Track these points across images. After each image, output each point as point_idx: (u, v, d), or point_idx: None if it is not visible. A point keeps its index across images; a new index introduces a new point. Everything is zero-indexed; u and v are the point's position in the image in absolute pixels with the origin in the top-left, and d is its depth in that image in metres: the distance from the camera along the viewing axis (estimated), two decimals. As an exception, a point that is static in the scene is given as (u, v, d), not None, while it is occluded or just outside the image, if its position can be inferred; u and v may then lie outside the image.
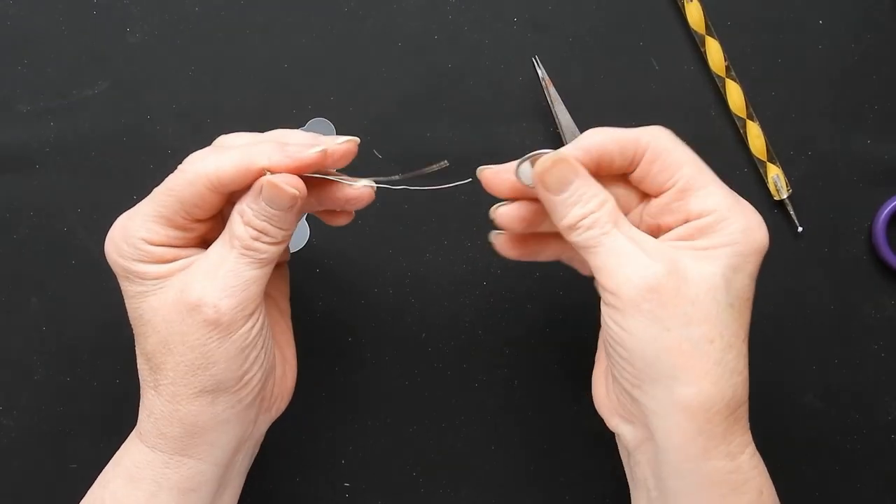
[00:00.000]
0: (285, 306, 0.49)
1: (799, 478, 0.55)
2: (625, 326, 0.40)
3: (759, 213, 0.55)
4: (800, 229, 0.55)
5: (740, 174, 0.55)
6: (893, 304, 0.55)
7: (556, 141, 0.55)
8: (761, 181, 0.55)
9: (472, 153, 0.55)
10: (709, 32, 0.55)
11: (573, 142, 0.43)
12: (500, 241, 0.46)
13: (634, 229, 0.41)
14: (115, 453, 0.45)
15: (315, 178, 0.43)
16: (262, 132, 0.45)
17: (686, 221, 0.42)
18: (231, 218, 0.42)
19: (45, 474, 0.54)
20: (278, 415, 0.47)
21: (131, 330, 0.54)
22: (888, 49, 0.56)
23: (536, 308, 0.55)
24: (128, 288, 0.43)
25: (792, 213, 0.55)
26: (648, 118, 0.55)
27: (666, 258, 0.40)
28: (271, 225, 0.42)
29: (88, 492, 0.45)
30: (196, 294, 0.41)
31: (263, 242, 0.42)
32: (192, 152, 0.54)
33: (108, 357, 0.54)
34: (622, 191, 0.44)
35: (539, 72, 0.54)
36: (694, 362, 0.39)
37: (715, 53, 0.55)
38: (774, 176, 0.55)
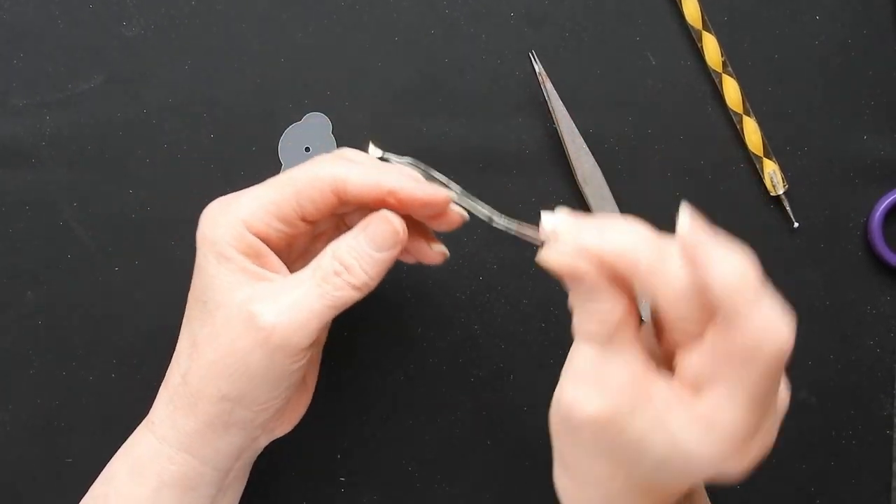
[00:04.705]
0: (323, 337, 0.48)
1: (794, 474, 0.55)
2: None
3: (756, 208, 0.56)
4: (796, 225, 0.55)
5: (736, 170, 0.55)
6: (889, 301, 0.55)
7: (553, 136, 0.55)
8: (757, 177, 0.55)
9: (469, 148, 0.55)
10: (705, 28, 0.55)
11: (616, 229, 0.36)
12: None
13: (630, 352, 0.36)
14: (110, 447, 0.45)
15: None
16: (324, 155, 0.44)
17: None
18: (322, 253, 0.42)
19: (41, 468, 0.54)
20: (281, 435, 0.47)
21: (127, 324, 0.54)
22: (885, 45, 0.56)
23: (532, 303, 0.55)
24: (205, 265, 0.42)
25: (788, 208, 0.55)
26: (645, 113, 0.56)
27: (623, 406, 0.35)
28: (359, 265, 0.41)
29: (91, 487, 0.45)
30: (258, 308, 0.40)
31: (343, 279, 0.41)
32: (188, 146, 0.55)
33: (104, 351, 0.54)
34: None
35: (536, 66, 0.54)
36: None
37: (712, 49, 0.55)
38: (771, 172, 0.55)
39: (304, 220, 0.42)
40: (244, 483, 0.47)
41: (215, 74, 0.55)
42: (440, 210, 0.42)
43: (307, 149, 0.55)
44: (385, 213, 0.41)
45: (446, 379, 0.55)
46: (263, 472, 0.54)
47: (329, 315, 0.41)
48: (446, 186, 0.44)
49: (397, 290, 0.55)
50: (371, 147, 0.43)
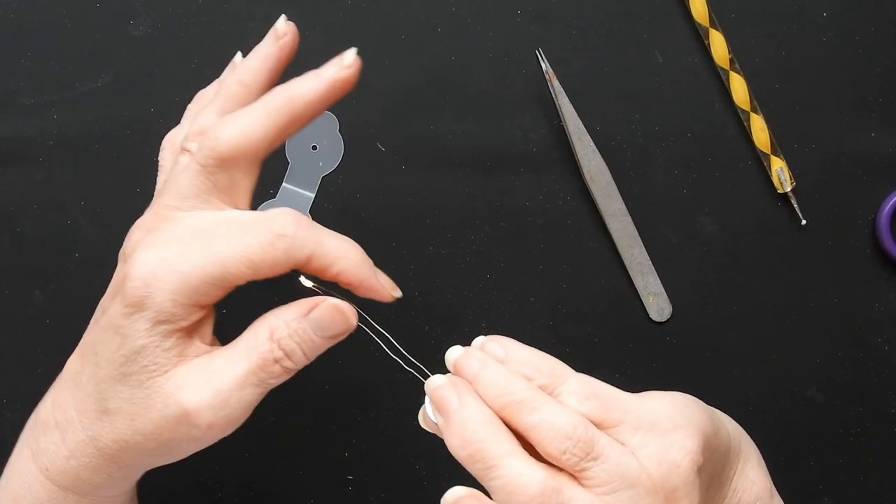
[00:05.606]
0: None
1: (802, 471, 0.55)
2: None
3: (764, 206, 0.56)
4: (803, 222, 0.55)
5: (744, 167, 0.55)
6: (897, 298, 0.55)
7: (560, 134, 0.55)
8: (765, 174, 0.55)
9: (476, 146, 0.55)
10: (713, 25, 0.55)
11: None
12: None
13: None
14: None
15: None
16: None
17: None
18: (256, 331, 0.38)
19: (49, 467, 0.54)
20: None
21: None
22: (892, 42, 0.56)
23: (539, 302, 0.55)
24: (130, 332, 0.37)
25: (796, 206, 0.55)
26: (652, 111, 0.55)
27: None
28: (301, 350, 0.38)
29: None
30: (191, 403, 0.36)
31: (282, 366, 0.37)
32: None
33: (112, 350, 0.54)
34: None
35: (543, 64, 0.54)
36: None
37: (719, 46, 0.55)
38: (778, 169, 0.55)
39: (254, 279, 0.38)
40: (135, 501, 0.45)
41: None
42: (381, 299, 0.41)
43: (314, 147, 0.55)
44: (335, 303, 0.38)
45: (454, 377, 0.55)
46: (270, 472, 0.54)
47: (260, 398, 0.38)
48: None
49: (404, 288, 0.55)
50: (302, 278, 0.41)
